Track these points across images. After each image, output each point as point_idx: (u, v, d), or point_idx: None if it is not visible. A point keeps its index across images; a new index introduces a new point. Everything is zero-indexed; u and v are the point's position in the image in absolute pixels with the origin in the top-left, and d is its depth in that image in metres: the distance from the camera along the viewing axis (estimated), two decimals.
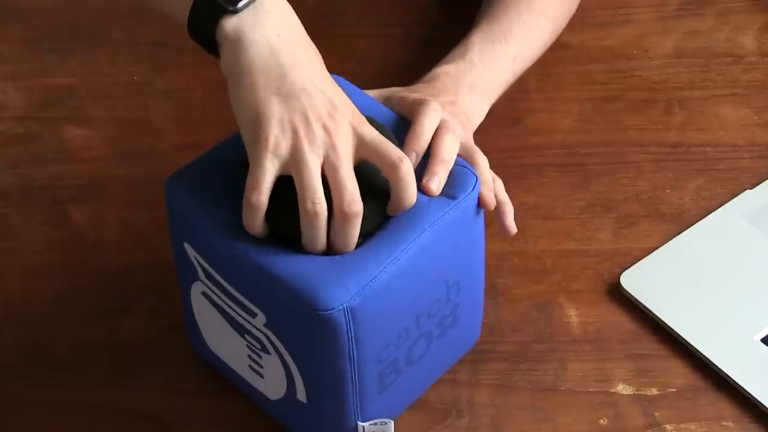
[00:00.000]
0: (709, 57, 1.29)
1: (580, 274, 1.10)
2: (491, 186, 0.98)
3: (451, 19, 1.32)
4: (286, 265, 0.88)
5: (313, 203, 0.87)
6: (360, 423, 0.94)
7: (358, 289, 0.87)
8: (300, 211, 0.87)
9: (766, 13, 1.33)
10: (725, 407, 1.01)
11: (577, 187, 1.17)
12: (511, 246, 1.12)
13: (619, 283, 1.08)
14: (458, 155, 0.97)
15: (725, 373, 1.02)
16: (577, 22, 1.25)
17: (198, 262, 0.94)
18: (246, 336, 0.94)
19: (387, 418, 0.95)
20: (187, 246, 0.94)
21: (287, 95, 0.88)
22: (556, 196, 1.16)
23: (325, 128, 0.88)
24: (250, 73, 0.88)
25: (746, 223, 1.12)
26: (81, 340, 1.06)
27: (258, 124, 0.87)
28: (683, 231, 1.12)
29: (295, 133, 0.87)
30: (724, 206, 1.14)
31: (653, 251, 1.11)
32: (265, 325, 0.91)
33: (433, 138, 0.95)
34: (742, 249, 1.11)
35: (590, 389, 1.02)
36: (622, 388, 1.02)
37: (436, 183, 0.92)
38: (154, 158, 1.20)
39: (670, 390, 1.02)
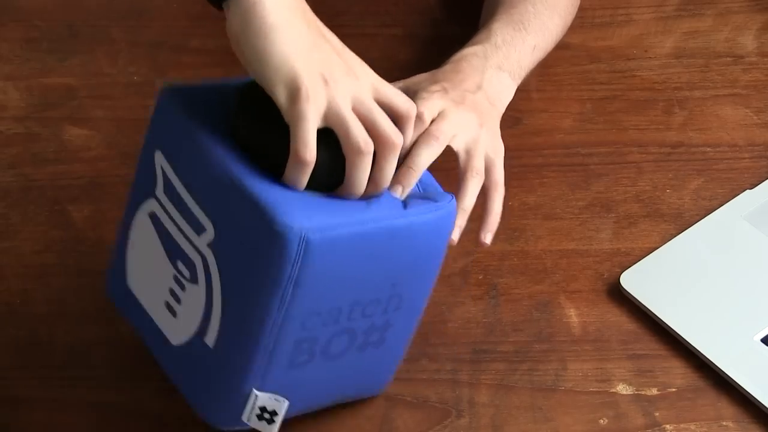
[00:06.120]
0: (709, 57, 1.29)
1: (580, 274, 1.10)
2: (465, 215, 0.99)
3: (452, 19, 1.32)
4: (262, 184, 0.88)
5: (366, 142, 0.88)
6: (255, 390, 0.92)
7: (321, 226, 0.87)
8: (350, 156, 0.89)
9: (766, 13, 1.33)
10: (725, 407, 1.01)
11: (577, 187, 1.17)
12: (511, 246, 1.12)
13: (619, 283, 1.08)
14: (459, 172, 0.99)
15: (725, 373, 1.02)
16: (577, 22, 1.25)
17: (163, 172, 0.93)
18: (178, 263, 0.93)
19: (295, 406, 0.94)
20: (157, 155, 0.94)
21: (311, 47, 0.89)
22: (556, 196, 1.16)
23: (349, 75, 0.90)
24: (275, 27, 0.88)
25: (746, 223, 1.12)
26: (81, 340, 1.06)
27: (293, 78, 0.87)
28: (683, 231, 1.12)
29: (326, 83, 0.88)
30: (723, 206, 1.14)
31: (653, 251, 1.11)
32: (210, 245, 0.90)
33: (412, 145, 0.97)
34: (742, 249, 1.11)
35: (590, 389, 1.02)
36: (622, 388, 1.02)
37: (399, 191, 0.93)
38: None
39: (670, 390, 1.02)
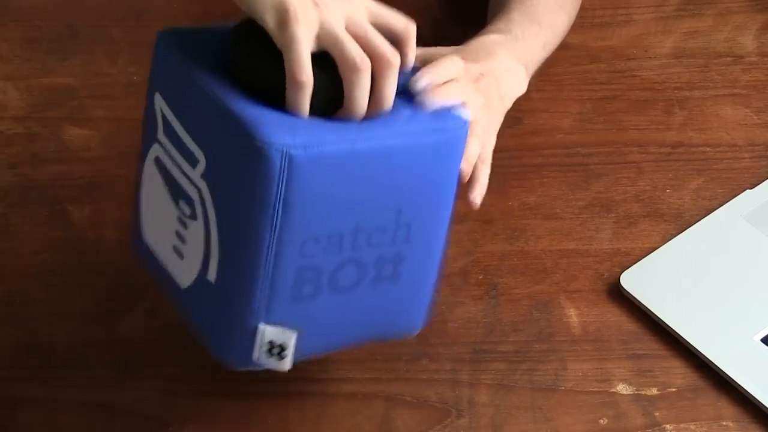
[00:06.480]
0: (709, 57, 1.29)
1: (580, 274, 1.10)
2: (470, 160, 0.98)
3: (452, 19, 1.32)
4: (250, 106, 0.87)
5: (362, 58, 0.87)
6: (262, 324, 0.90)
7: (305, 142, 0.85)
8: (347, 75, 0.87)
9: (766, 13, 1.33)
10: (725, 407, 1.01)
11: (577, 187, 1.17)
12: (511, 246, 1.12)
13: (619, 283, 1.08)
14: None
15: (725, 373, 1.02)
16: (577, 22, 1.25)
17: (162, 113, 0.93)
18: (180, 202, 0.92)
19: (306, 348, 0.91)
20: (156, 97, 0.93)
21: None
22: (556, 196, 1.16)
23: None
24: None
25: (746, 223, 1.12)
26: (81, 340, 1.06)
27: (281, 2, 0.86)
28: (683, 231, 1.12)
29: (316, 5, 0.87)
30: (723, 206, 1.14)
31: (653, 251, 1.11)
32: (203, 175, 0.89)
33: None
34: (742, 249, 1.11)
35: (590, 389, 1.02)
36: (622, 388, 1.02)
37: (423, 82, 0.92)
38: None
39: (670, 390, 1.02)
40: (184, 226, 0.92)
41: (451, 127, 0.91)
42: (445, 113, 0.92)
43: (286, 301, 0.90)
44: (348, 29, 0.88)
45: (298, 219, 0.87)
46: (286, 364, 0.91)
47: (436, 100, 0.92)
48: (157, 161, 0.95)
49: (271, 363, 0.91)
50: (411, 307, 0.97)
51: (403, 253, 0.93)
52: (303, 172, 0.85)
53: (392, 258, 0.92)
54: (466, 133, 0.92)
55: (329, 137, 0.87)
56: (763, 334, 1.04)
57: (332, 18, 0.87)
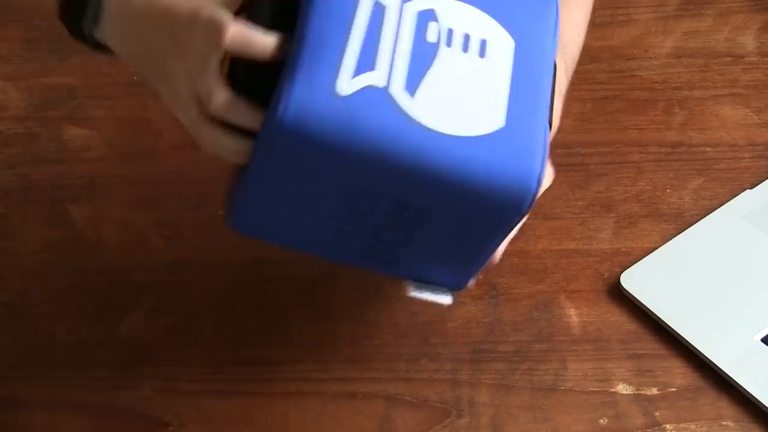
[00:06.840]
0: (709, 57, 1.29)
1: (580, 274, 1.10)
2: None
3: None
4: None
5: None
6: (410, 291, 0.94)
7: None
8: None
9: (766, 13, 1.33)
10: (725, 407, 1.01)
11: (577, 187, 1.17)
12: (511, 246, 1.12)
13: (619, 283, 1.08)
14: None
15: (725, 373, 1.02)
16: None
17: None
18: None
19: (450, 278, 0.95)
20: None
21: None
22: (556, 196, 1.16)
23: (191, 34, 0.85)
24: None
25: (746, 223, 1.12)
26: (81, 340, 1.06)
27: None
28: (683, 231, 1.12)
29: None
30: (724, 206, 1.14)
31: (653, 251, 1.11)
32: None
33: None
34: (742, 249, 1.11)
35: (590, 389, 1.02)
36: (622, 388, 1.02)
37: None
38: (154, 158, 1.20)
39: (670, 390, 1.02)
40: None
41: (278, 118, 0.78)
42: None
43: (388, 261, 0.92)
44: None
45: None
46: (441, 300, 0.96)
47: None
48: None
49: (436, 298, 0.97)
50: (506, 186, 0.85)
51: (403, 198, 0.84)
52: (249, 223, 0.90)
53: (406, 211, 0.85)
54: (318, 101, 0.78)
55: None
56: (763, 334, 1.04)
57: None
